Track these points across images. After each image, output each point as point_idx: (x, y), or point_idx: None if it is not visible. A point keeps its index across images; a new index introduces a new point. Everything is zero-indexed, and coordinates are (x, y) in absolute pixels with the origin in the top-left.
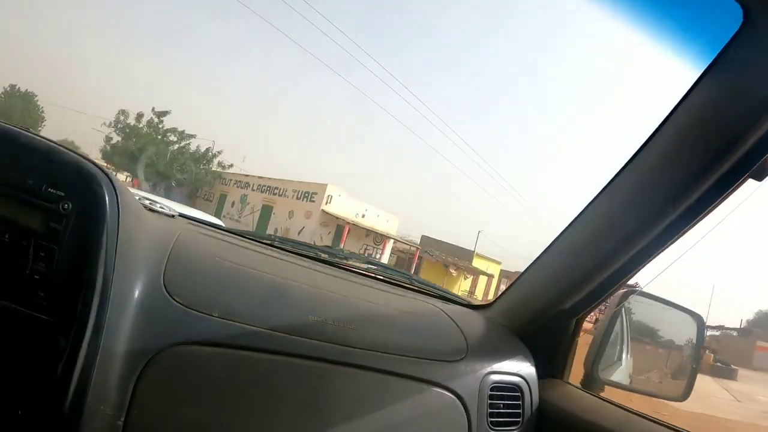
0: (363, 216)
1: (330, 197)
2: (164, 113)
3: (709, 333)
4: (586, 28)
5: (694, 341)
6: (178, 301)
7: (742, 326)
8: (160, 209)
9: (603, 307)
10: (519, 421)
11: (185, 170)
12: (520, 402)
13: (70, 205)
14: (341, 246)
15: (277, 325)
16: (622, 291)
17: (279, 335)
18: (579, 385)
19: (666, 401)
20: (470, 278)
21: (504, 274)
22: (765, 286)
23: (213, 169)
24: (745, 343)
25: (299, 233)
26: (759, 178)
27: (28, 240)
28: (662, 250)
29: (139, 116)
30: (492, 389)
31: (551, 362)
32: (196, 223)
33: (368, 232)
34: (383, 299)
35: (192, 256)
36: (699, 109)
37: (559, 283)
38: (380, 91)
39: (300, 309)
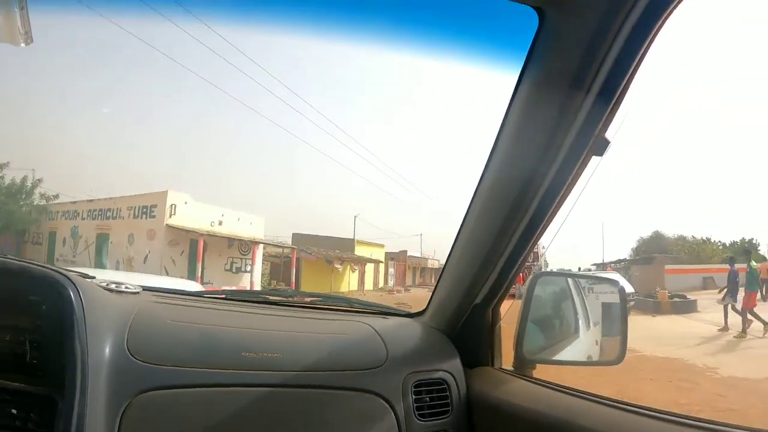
0: (220, 223)
1: (174, 207)
2: None
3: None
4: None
5: (618, 305)
6: (138, 359)
7: (637, 256)
8: (125, 290)
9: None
10: (448, 410)
11: (1, 211)
12: (447, 393)
13: (46, 307)
14: (198, 264)
15: (217, 364)
16: (532, 275)
17: (219, 372)
18: (510, 369)
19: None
20: (357, 270)
21: (389, 256)
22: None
23: (36, 203)
24: (654, 270)
25: (145, 260)
26: (599, 153)
27: (24, 336)
28: (539, 234)
29: None
30: (416, 386)
31: (479, 352)
32: (159, 293)
33: (230, 242)
34: (312, 327)
35: (148, 323)
36: (526, 105)
37: (465, 281)
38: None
39: (235, 348)
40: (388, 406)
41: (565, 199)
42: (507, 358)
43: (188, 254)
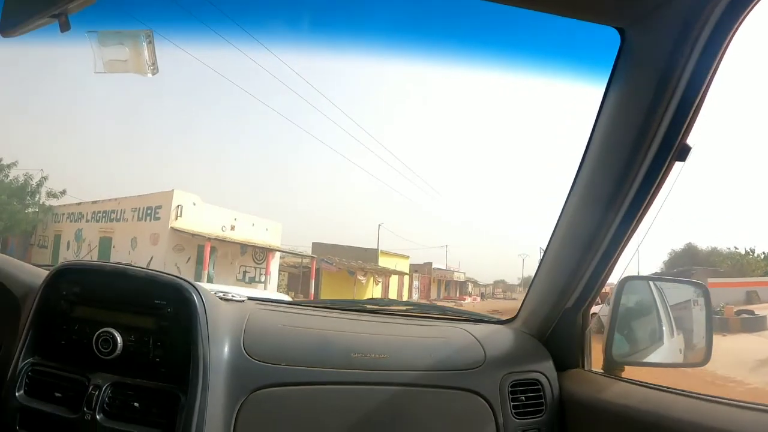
0: (232, 228)
1: (180, 208)
2: None
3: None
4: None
5: (703, 308)
6: (255, 359)
7: (674, 269)
8: (231, 298)
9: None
10: (542, 409)
11: (4, 212)
12: (541, 393)
13: (171, 309)
14: (204, 272)
15: (328, 364)
16: (620, 279)
17: (330, 371)
18: (600, 371)
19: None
20: (381, 282)
21: (413, 268)
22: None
23: (42, 202)
24: None
25: (148, 266)
26: (682, 159)
27: (148, 336)
28: (627, 239)
29: None
30: (512, 386)
31: (570, 355)
32: (263, 302)
33: (244, 249)
34: (414, 332)
35: (261, 327)
36: (612, 117)
37: (557, 286)
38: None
39: (344, 349)
40: (487, 404)
41: (651, 204)
42: (596, 362)
43: (195, 261)
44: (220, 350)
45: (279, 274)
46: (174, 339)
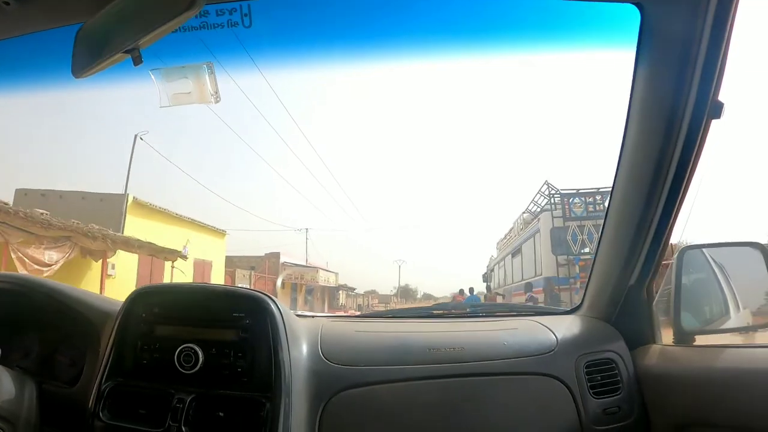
0: None
1: None
2: None
3: None
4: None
5: (764, 265)
6: (334, 363)
7: None
8: (300, 313)
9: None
10: (619, 387)
11: None
12: (616, 371)
13: (250, 321)
14: None
15: (406, 361)
16: (679, 249)
17: (409, 367)
18: (672, 343)
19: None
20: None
21: (243, 260)
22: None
23: None
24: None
25: None
26: (717, 116)
27: (229, 348)
28: (680, 203)
29: None
30: (587, 366)
31: (640, 332)
32: (332, 317)
33: None
34: (484, 327)
35: (336, 334)
36: (645, 90)
37: (617, 265)
38: None
39: (420, 346)
40: (564, 386)
41: (696, 166)
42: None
43: None
44: (299, 356)
45: None
46: (255, 349)
